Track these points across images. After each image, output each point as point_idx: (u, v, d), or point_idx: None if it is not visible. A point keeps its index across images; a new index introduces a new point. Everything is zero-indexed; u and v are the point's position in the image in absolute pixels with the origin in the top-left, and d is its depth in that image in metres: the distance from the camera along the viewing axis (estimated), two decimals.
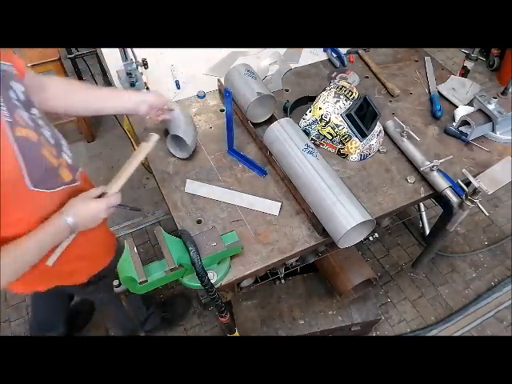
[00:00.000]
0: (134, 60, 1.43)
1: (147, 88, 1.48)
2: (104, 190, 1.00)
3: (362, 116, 1.30)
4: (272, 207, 1.16)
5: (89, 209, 0.96)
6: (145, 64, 1.47)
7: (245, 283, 1.29)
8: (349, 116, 1.27)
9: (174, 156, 1.31)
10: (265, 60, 1.69)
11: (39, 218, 0.91)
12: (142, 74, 1.49)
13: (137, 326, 1.63)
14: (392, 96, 1.57)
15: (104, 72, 1.64)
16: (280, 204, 1.16)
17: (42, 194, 0.89)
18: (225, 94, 1.15)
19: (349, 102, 1.29)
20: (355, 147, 1.29)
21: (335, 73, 1.62)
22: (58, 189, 0.93)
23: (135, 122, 1.42)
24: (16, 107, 0.85)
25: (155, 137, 1.10)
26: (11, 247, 0.86)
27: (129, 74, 1.45)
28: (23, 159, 0.81)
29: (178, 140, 1.27)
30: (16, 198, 0.84)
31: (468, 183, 1.15)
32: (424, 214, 2.19)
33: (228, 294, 1.17)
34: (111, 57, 1.61)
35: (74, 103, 1.12)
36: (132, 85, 1.48)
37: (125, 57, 1.40)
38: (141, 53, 1.52)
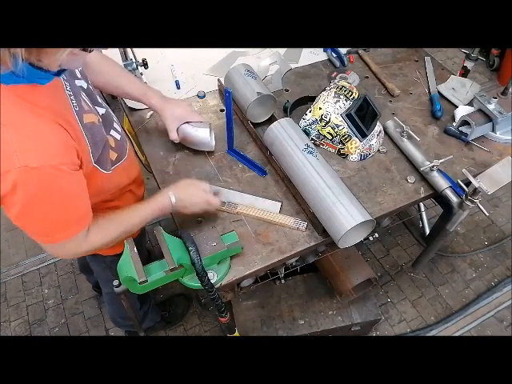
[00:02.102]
0: (134, 60, 1.43)
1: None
2: (212, 189, 1.11)
3: (362, 116, 1.30)
4: (272, 207, 1.16)
5: (192, 195, 1.05)
6: (145, 64, 1.47)
7: (245, 283, 1.29)
8: (349, 116, 1.27)
9: (173, 156, 1.31)
10: (265, 60, 1.69)
11: (97, 200, 0.99)
12: (142, 74, 1.49)
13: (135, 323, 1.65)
14: (392, 96, 1.57)
15: None
16: (280, 204, 1.16)
17: (99, 175, 0.93)
18: (225, 94, 1.15)
19: (349, 102, 1.29)
20: (355, 147, 1.29)
21: (335, 73, 1.62)
22: (107, 172, 0.97)
23: (135, 123, 1.42)
24: (80, 90, 0.91)
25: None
26: (117, 216, 0.97)
27: None
28: (89, 142, 0.86)
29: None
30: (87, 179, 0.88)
31: (468, 183, 1.15)
32: (424, 214, 2.19)
33: (228, 294, 1.17)
34: (111, 57, 1.60)
35: (108, 80, 1.17)
36: None
37: (125, 57, 1.40)
38: (141, 53, 1.52)
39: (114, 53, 1.50)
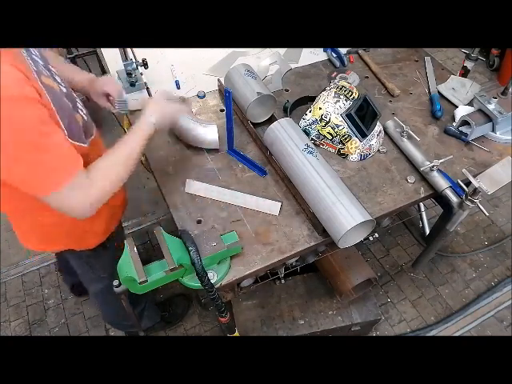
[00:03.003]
0: (134, 60, 1.43)
1: (147, 88, 1.48)
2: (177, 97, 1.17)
3: (362, 116, 1.30)
4: (272, 207, 1.16)
5: (168, 107, 1.07)
6: (145, 64, 1.47)
7: (245, 283, 1.29)
8: (349, 116, 1.27)
9: (173, 156, 1.31)
10: (265, 60, 1.69)
11: None
12: (142, 74, 1.49)
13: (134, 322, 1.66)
14: (392, 96, 1.57)
15: (104, 72, 1.65)
16: (280, 204, 1.16)
17: (77, 149, 0.92)
18: (225, 94, 1.15)
19: (349, 101, 1.29)
20: (355, 147, 1.30)
21: (335, 73, 1.62)
22: (83, 145, 0.98)
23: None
24: (37, 61, 0.90)
25: None
26: (109, 154, 0.96)
27: (129, 74, 1.45)
28: (54, 107, 0.85)
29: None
30: None
31: (468, 183, 1.15)
32: (424, 214, 2.19)
33: (228, 294, 1.17)
34: (111, 57, 1.61)
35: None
36: (132, 85, 1.47)
37: (125, 57, 1.40)
38: (141, 53, 1.52)
39: (114, 53, 1.51)
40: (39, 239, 1.18)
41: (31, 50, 0.92)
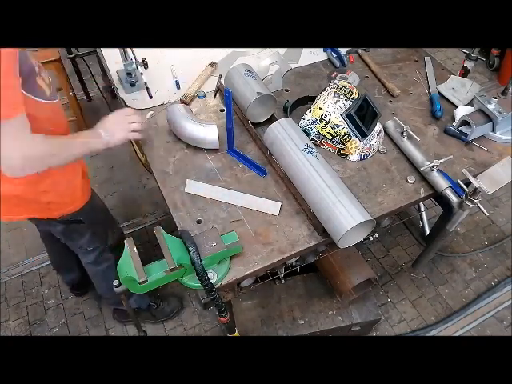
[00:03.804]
0: (134, 60, 1.43)
1: (147, 88, 1.48)
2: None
3: (362, 116, 1.30)
4: (272, 207, 1.16)
5: (116, 117, 1.14)
6: (145, 64, 1.48)
7: (245, 283, 1.29)
8: (349, 116, 1.27)
9: (173, 156, 1.31)
10: (265, 60, 1.69)
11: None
12: (142, 74, 1.49)
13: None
14: (392, 96, 1.57)
15: (104, 72, 1.65)
16: (280, 204, 1.16)
17: (30, 101, 0.97)
18: (225, 94, 1.15)
19: (349, 101, 1.29)
20: (355, 147, 1.30)
21: (335, 73, 1.62)
22: (42, 100, 1.02)
23: None
24: None
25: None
26: (59, 138, 1.02)
27: (129, 74, 1.45)
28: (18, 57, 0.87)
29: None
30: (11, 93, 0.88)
31: (468, 183, 1.15)
32: (424, 214, 2.19)
33: (228, 294, 1.17)
34: (111, 57, 1.61)
35: None
36: (132, 85, 1.48)
37: (125, 57, 1.40)
38: (141, 53, 1.52)
39: (114, 53, 1.51)
40: (2, 209, 1.22)
41: None
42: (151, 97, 1.48)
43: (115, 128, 1.12)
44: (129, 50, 1.41)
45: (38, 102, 1.02)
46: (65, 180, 1.23)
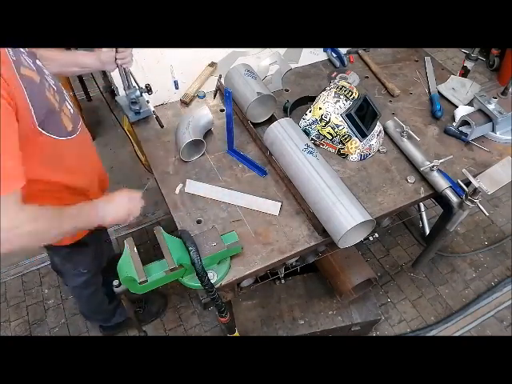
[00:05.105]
0: (137, 87, 1.33)
1: (157, 117, 1.34)
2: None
3: (362, 116, 1.30)
4: (272, 207, 1.16)
5: (124, 209, 1.05)
6: (149, 90, 1.33)
7: (245, 283, 1.29)
8: (349, 116, 1.27)
9: (174, 156, 1.31)
10: (265, 60, 1.69)
11: (47, 168, 0.97)
12: (148, 102, 1.35)
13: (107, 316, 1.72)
14: (392, 96, 1.57)
15: (104, 72, 1.65)
16: (280, 204, 1.16)
17: (48, 140, 0.92)
18: (225, 94, 1.15)
19: (349, 101, 1.29)
20: (355, 147, 1.29)
21: (335, 73, 1.62)
22: (63, 138, 0.97)
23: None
24: (21, 52, 0.90)
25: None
26: (55, 209, 0.89)
27: (133, 103, 1.35)
28: (29, 97, 0.84)
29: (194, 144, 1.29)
30: (26, 139, 0.84)
31: (468, 183, 1.15)
32: (424, 214, 2.19)
33: (228, 294, 1.17)
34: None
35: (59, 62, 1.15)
36: (137, 113, 1.37)
37: (128, 84, 1.30)
38: (143, 79, 1.45)
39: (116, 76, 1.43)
40: None
41: None
42: (162, 126, 1.35)
43: (118, 208, 1.05)
44: (131, 77, 1.30)
45: (57, 141, 0.95)
46: None
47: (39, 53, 1.08)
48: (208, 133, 1.39)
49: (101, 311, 1.72)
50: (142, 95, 1.34)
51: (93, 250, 1.35)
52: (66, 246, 1.23)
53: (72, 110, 1.05)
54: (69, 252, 1.28)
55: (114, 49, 1.19)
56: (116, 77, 1.53)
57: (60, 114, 0.97)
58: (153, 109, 1.34)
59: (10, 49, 0.85)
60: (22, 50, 0.91)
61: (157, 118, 1.34)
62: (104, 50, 1.20)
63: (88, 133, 1.16)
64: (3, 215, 0.78)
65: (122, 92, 1.42)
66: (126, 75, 1.28)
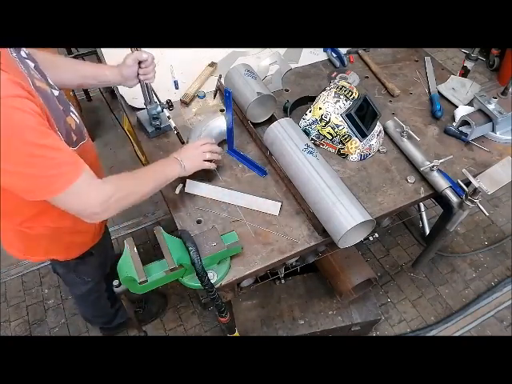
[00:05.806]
0: (158, 103, 1.30)
1: (178, 133, 1.30)
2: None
3: (362, 116, 1.30)
4: (272, 207, 1.16)
5: (192, 146, 1.14)
6: (170, 106, 1.31)
7: (245, 283, 1.29)
8: (349, 116, 1.27)
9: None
10: (265, 60, 1.69)
11: None
12: (169, 117, 1.30)
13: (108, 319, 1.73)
14: (392, 96, 1.57)
15: None
16: (280, 204, 1.16)
17: None
18: (225, 94, 1.15)
19: (349, 101, 1.29)
20: (355, 147, 1.29)
21: (335, 73, 1.62)
22: (74, 148, 0.97)
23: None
24: (28, 64, 0.90)
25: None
26: (133, 174, 0.99)
27: (155, 119, 1.32)
28: (48, 109, 0.84)
29: None
30: None
31: (468, 183, 1.15)
32: (424, 214, 2.19)
33: (228, 294, 1.17)
34: (111, 57, 1.61)
35: (67, 77, 1.13)
36: (157, 128, 1.35)
37: (149, 100, 1.28)
38: (164, 95, 1.41)
39: (114, 53, 1.45)
40: (22, 248, 1.17)
41: (22, 52, 0.91)
42: (183, 142, 1.31)
43: (191, 157, 1.11)
44: (152, 93, 1.28)
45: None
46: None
47: (59, 63, 1.10)
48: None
49: (103, 315, 1.72)
50: (163, 111, 1.32)
51: (98, 259, 1.34)
52: (74, 258, 1.23)
53: (78, 121, 1.04)
54: (76, 263, 1.28)
55: (137, 64, 1.16)
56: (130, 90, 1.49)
57: (67, 126, 0.96)
58: (174, 125, 1.29)
59: (19, 62, 0.85)
60: (26, 59, 0.91)
61: (177, 133, 1.30)
62: (127, 63, 1.14)
63: (90, 140, 1.15)
64: (92, 191, 0.87)
65: (140, 103, 1.39)
66: (147, 90, 1.25)
